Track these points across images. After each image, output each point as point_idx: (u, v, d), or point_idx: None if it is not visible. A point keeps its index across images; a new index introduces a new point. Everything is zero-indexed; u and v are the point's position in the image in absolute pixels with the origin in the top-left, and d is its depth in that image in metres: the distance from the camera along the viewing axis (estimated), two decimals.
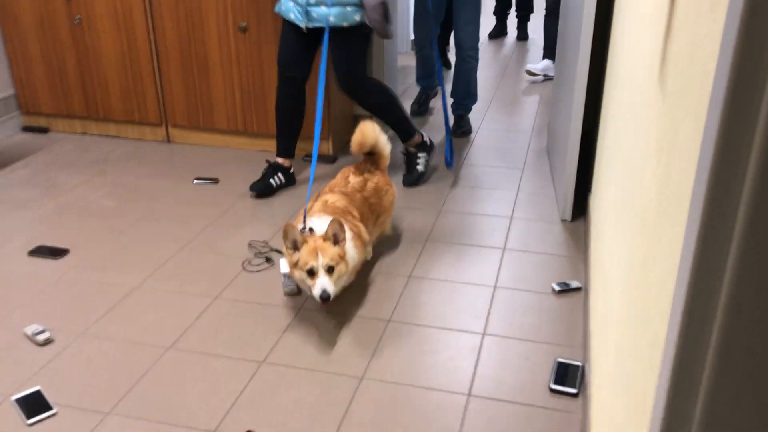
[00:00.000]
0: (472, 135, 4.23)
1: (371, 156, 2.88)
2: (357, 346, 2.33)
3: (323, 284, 2.25)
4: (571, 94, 2.96)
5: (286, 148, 3.48)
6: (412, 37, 4.82)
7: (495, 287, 2.66)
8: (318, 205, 2.58)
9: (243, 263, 2.82)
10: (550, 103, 4.52)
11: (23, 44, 4.04)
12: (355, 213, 2.62)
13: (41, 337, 2.33)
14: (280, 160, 3.47)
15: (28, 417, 2.02)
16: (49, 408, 2.05)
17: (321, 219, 2.43)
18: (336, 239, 2.33)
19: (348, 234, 2.40)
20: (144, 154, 3.89)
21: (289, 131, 3.47)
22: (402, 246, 2.96)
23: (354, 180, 2.77)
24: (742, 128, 0.60)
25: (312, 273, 2.26)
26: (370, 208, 2.74)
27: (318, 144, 2.69)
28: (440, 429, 1.98)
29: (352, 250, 2.42)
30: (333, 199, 2.62)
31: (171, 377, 2.19)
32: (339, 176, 2.84)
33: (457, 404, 2.07)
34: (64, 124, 4.21)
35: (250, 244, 2.95)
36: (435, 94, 4.71)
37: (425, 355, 2.29)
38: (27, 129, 4.23)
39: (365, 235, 2.61)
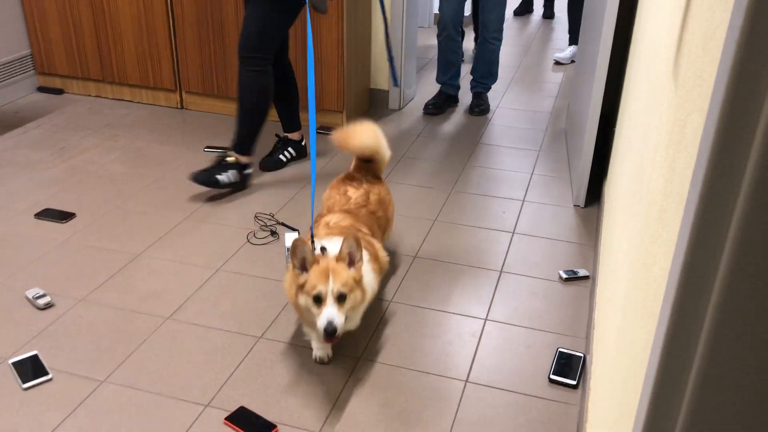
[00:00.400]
0: (490, 114, 4.15)
1: (367, 162, 2.50)
2: None
3: (330, 315, 1.85)
4: (592, 77, 2.87)
5: (290, 123, 3.43)
6: (436, 11, 4.63)
7: (501, 272, 2.61)
8: (320, 229, 2.19)
9: (248, 235, 2.79)
10: (571, 84, 4.41)
11: (40, 2, 4.00)
12: (365, 230, 2.25)
13: (42, 301, 2.33)
14: (289, 134, 3.42)
15: (24, 381, 2.02)
16: (46, 373, 2.05)
17: (332, 241, 2.05)
18: (351, 259, 1.96)
19: (365, 255, 2.04)
20: (157, 120, 3.86)
21: (286, 110, 3.38)
22: (410, 225, 2.91)
23: (355, 194, 2.35)
24: (742, 128, 0.54)
25: (319, 300, 1.88)
26: (378, 223, 2.37)
27: (315, 135, 2.20)
28: (435, 414, 1.95)
29: (369, 275, 2.05)
30: (336, 219, 2.23)
31: (168, 348, 2.18)
32: (332, 192, 2.41)
33: (454, 390, 2.04)
34: (78, 85, 4.19)
35: (256, 217, 2.92)
36: (456, 102, 4.26)
37: (425, 338, 2.25)
38: (42, 89, 4.21)
39: (382, 255, 2.24)
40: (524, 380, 2.08)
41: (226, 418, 1.90)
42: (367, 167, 2.49)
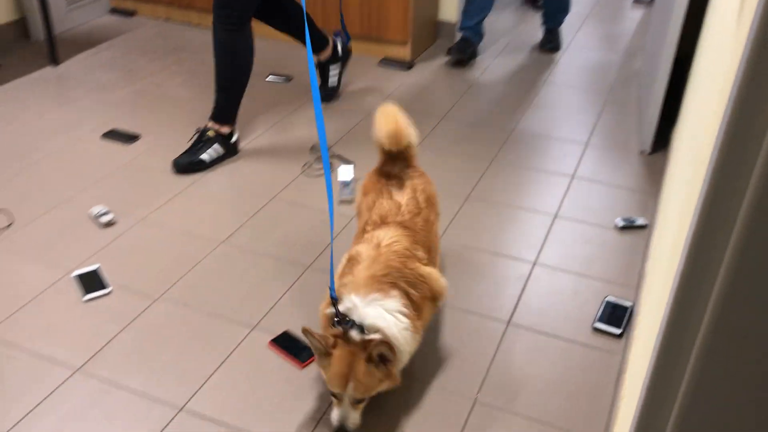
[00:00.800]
0: (560, 52, 3.99)
1: (397, 153, 2.03)
2: None
3: (344, 416, 1.63)
4: (669, 16, 2.71)
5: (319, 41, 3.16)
6: None
7: (556, 216, 2.56)
8: (368, 251, 1.77)
9: (303, 166, 2.82)
10: (649, 23, 4.18)
11: None
12: (422, 252, 1.84)
13: (104, 219, 2.43)
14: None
15: (85, 293, 2.13)
16: (105, 287, 2.16)
17: (371, 301, 1.65)
18: (383, 360, 1.61)
19: (403, 321, 1.66)
20: None
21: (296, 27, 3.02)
22: (464, 165, 2.88)
23: (404, 198, 1.94)
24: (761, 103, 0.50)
25: (335, 395, 1.65)
26: (431, 229, 1.97)
27: (329, 172, 1.86)
28: (474, 353, 1.96)
29: (406, 340, 1.67)
30: (389, 237, 1.80)
31: (220, 271, 2.25)
32: (372, 196, 1.97)
33: (495, 331, 2.04)
34: (149, 8, 4.23)
35: (312, 148, 2.94)
36: (476, 55, 3.83)
37: (470, 278, 2.25)
38: (114, 11, 4.28)
39: (440, 287, 1.85)
40: (568, 326, 2.06)
41: (271, 341, 1.97)
42: (398, 157, 2.03)
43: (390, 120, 2.00)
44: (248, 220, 2.49)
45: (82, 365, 1.88)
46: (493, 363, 1.93)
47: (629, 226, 2.48)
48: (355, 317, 1.63)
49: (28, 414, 1.74)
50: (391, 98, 3.39)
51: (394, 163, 2.03)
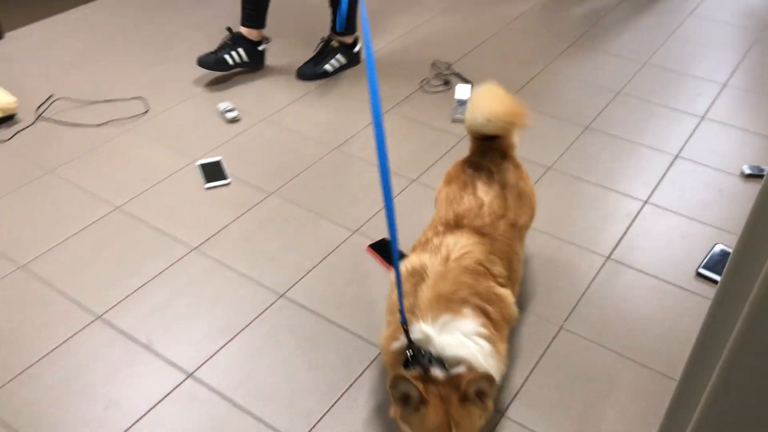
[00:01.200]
0: None
1: (489, 140, 1.73)
2: None
3: None
4: None
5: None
6: None
7: (677, 156, 2.44)
8: (434, 266, 1.48)
9: (422, 82, 2.83)
10: None
11: None
12: (500, 267, 1.54)
13: (230, 115, 2.58)
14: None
15: (207, 181, 2.30)
16: (225, 178, 2.31)
17: (444, 325, 1.37)
18: (479, 396, 1.31)
19: (485, 345, 1.38)
20: None
21: None
22: (588, 93, 2.78)
23: (488, 196, 1.63)
24: None
25: None
26: (519, 235, 1.66)
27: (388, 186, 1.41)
28: (568, 284, 1.96)
29: (492, 367, 1.39)
30: (460, 247, 1.51)
31: (330, 175, 2.34)
32: (454, 188, 1.68)
33: (593, 264, 2.02)
34: None
35: (433, 64, 2.93)
36: None
37: (576, 209, 2.22)
38: None
39: (511, 313, 1.53)
40: (669, 268, 2.01)
41: (370, 246, 2.06)
42: (490, 145, 1.74)
43: (497, 99, 1.69)
44: (361, 130, 2.56)
45: (198, 245, 2.05)
46: (586, 295, 1.93)
47: (756, 175, 2.34)
48: (432, 350, 1.34)
49: (146, 283, 1.93)
50: (515, 21, 3.29)
51: (486, 154, 1.74)
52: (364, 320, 1.83)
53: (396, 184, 2.31)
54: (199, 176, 2.32)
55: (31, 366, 1.69)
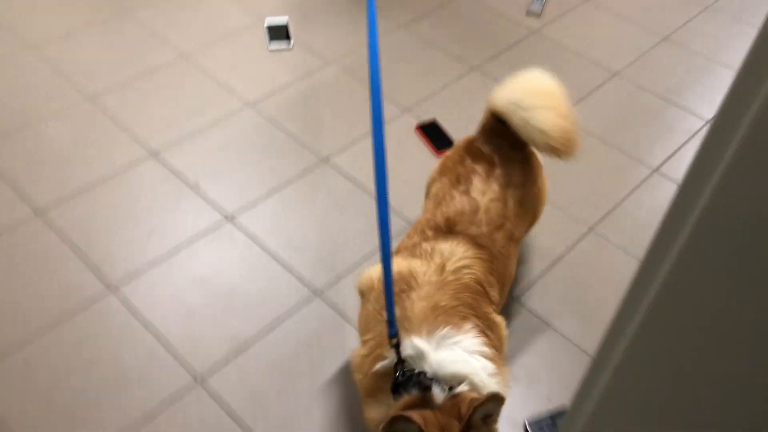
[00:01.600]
0: None
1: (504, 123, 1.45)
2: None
3: None
4: None
5: None
6: None
7: None
8: (426, 274, 1.27)
9: None
10: None
11: None
12: (495, 293, 1.34)
13: None
14: None
15: (271, 42, 2.33)
16: (289, 40, 2.34)
17: (442, 340, 1.17)
18: (485, 419, 1.11)
19: (488, 365, 1.18)
20: None
21: None
22: (675, 1, 2.63)
23: (486, 196, 1.39)
24: None
25: None
26: (515, 250, 1.44)
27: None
28: (609, 189, 1.95)
29: (498, 386, 1.19)
30: (457, 258, 1.30)
31: (390, 52, 2.34)
32: (446, 181, 1.45)
33: (639, 174, 2.00)
34: None
35: None
36: None
37: (635, 119, 2.17)
38: None
39: (501, 334, 1.32)
40: None
41: (419, 126, 2.09)
42: (504, 130, 1.45)
43: (556, 105, 1.39)
44: (428, 11, 2.52)
45: (254, 102, 2.12)
46: (624, 203, 1.92)
47: None
48: (427, 368, 1.14)
49: (202, 130, 2.03)
50: None
51: (495, 139, 1.46)
52: (399, 195, 1.89)
53: (454, 69, 2.29)
54: (264, 37, 2.36)
55: (91, 187, 1.84)
